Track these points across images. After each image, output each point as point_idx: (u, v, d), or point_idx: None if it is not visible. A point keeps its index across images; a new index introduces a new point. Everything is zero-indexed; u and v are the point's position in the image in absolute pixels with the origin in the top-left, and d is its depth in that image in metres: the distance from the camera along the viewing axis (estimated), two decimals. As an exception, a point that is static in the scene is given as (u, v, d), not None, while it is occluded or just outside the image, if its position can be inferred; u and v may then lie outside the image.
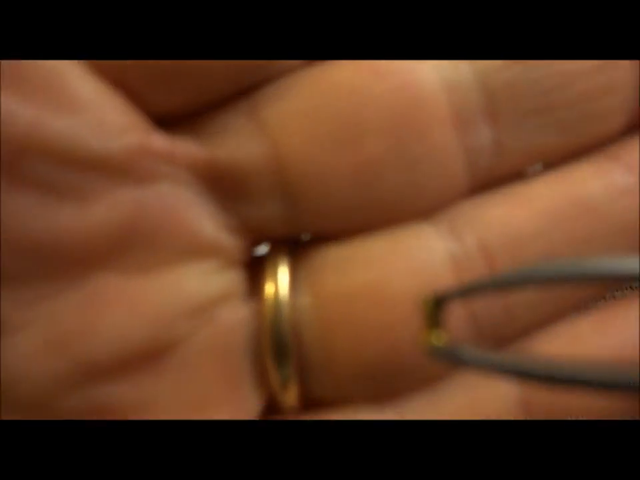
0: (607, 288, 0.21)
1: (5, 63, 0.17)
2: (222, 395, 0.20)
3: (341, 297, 0.21)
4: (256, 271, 0.22)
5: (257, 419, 0.20)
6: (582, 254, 0.21)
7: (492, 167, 0.22)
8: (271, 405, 0.21)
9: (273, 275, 0.21)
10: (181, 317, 0.20)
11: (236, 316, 0.21)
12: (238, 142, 0.21)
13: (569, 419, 0.20)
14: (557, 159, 0.22)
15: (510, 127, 0.22)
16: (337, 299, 0.21)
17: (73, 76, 0.18)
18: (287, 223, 0.21)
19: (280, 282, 0.21)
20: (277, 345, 0.20)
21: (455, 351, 0.17)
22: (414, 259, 0.22)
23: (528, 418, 0.20)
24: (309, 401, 0.21)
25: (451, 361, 0.17)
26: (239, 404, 0.20)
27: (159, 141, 0.20)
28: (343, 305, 0.21)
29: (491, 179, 0.23)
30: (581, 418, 0.20)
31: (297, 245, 0.22)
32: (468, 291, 0.18)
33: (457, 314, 0.20)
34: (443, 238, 0.22)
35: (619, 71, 0.21)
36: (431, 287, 0.20)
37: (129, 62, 0.19)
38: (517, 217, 0.21)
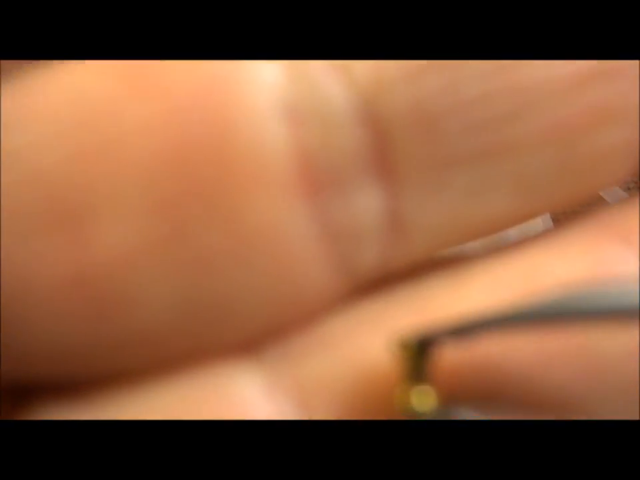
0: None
1: None
2: None
3: None
4: None
5: None
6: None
7: (386, 257, 0.13)
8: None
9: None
10: None
11: None
12: None
13: None
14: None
15: (421, 187, 0.13)
16: None
17: None
18: None
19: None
20: None
21: (446, 415, 0.12)
22: None
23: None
24: None
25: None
26: None
27: None
28: None
29: (389, 275, 0.14)
30: None
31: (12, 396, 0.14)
32: (464, 330, 0.12)
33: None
34: (277, 401, 0.13)
35: (622, 81, 0.13)
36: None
37: None
38: None
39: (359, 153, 0.12)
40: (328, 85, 0.12)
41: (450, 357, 0.13)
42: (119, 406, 0.13)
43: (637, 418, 0.12)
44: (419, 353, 0.12)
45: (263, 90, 0.12)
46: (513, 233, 0.15)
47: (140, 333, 0.13)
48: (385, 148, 0.12)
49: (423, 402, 0.12)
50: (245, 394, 0.13)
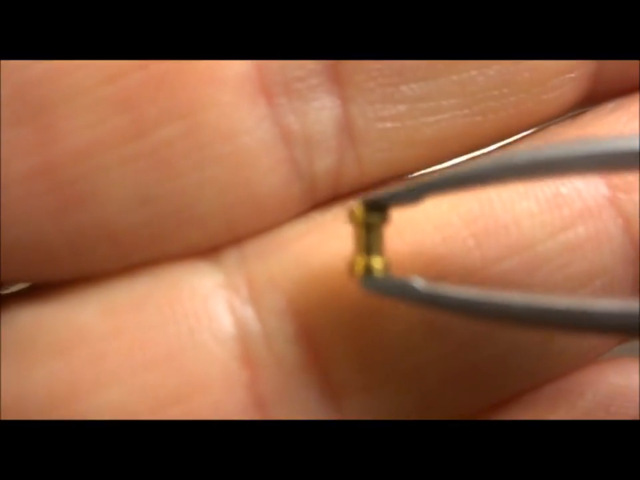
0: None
1: None
2: None
3: (4, 413, 0.13)
4: None
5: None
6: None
7: (340, 168, 0.14)
8: None
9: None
10: None
11: None
12: None
13: None
14: (457, 152, 0.15)
15: (371, 96, 0.14)
16: (16, 407, 0.13)
17: None
18: None
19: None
20: None
21: (400, 283, 0.12)
22: (158, 338, 0.14)
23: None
24: None
25: (394, 295, 0.12)
26: None
27: None
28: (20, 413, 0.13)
29: (341, 190, 0.14)
30: None
31: None
32: (417, 191, 0.12)
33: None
34: (230, 296, 0.14)
35: None
36: (183, 400, 0.13)
37: None
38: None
39: (313, 60, 0.13)
40: None
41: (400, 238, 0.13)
42: (86, 303, 0.14)
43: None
44: (371, 216, 0.12)
45: None
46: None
47: (104, 229, 0.13)
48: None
49: (376, 269, 0.12)
50: (201, 290, 0.14)
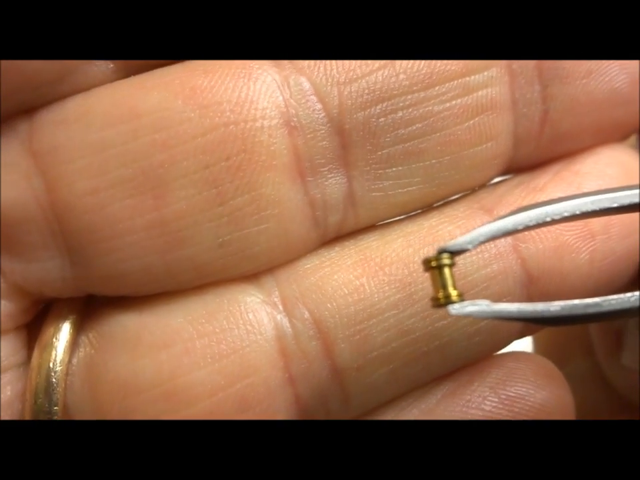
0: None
1: None
2: None
3: (123, 388, 0.18)
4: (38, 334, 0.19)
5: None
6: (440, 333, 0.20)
7: (344, 221, 0.20)
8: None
9: (46, 346, 0.18)
10: None
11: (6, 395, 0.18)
12: (6, 178, 0.18)
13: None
14: (419, 209, 0.21)
15: (367, 176, 0.20)
16: (118, 390, 0.18)
17: None
18: (71, 283, 0.19)
19: (53, 358, 0.18)
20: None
21: (475, 306, 0.17)
22: (227, 338, 0.19)
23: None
24: None
25: (472, 315, 0.17)
26: None
27: None
28: (123, 398, 0.18)
29: (342, 234, 0.21)
30: None
31: (87, 306, 0.19)
32: (474, 240, 0.17)
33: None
34: (270, 309, 0.20)
35: (495, 115, 0.20)
36: (245, 378, 0.19)
37: None
38: (364, 285, 0.20)
39: (331, 153, 0.20)
40: (314, 110, 0.19)
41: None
42: (174, 312, 0.19)
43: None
44: (442, 260, 0.17)
45: (274, 113, 0.19)
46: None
47: (192, 262, 0.19)
48: (346, 150, 0.20)
49: (456, 299, 0.17)
50: (252, 305, 0.20)
